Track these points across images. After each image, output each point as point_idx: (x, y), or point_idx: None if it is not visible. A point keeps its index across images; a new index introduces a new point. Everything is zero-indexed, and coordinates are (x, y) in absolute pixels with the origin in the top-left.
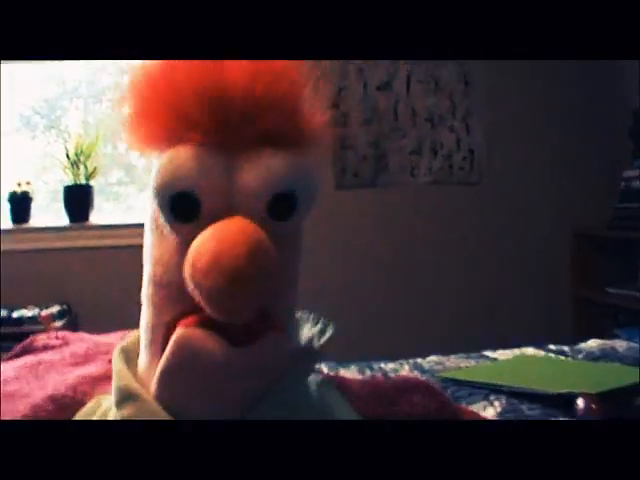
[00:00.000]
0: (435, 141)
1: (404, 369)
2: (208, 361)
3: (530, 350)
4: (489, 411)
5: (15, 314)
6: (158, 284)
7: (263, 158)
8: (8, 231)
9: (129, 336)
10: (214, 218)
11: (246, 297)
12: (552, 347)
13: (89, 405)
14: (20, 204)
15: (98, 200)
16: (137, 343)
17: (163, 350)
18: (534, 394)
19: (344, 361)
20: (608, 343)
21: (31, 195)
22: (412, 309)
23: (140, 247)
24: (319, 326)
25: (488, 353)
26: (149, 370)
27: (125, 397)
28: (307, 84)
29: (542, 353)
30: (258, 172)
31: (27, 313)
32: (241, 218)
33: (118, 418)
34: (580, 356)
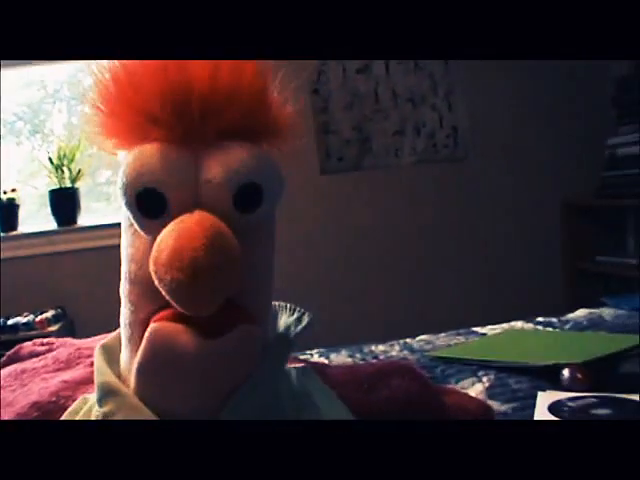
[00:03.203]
0: (418, 121)
1: (394, 350)
2: (180, 353)
3: (519, 324)
4: (477, 387)
5: (10, 322)
6: (133, 282)
7: (227, 151)
8: None
9: (110, 334)
10: (181, 213)
11: (207, 289)
12: (540, 319)
13: (75, 403)
14: (7, 212)
15: (87, 201)
16: (118, 340)
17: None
18: (521, 367)
19: (334, 346)
20: (595, 312)
21: (17, 202)
22: (400, 290)
23: None
24: (295, 315)
25: (477, 329)
26: (130, 366)
27: (106, 393)
28: (270, 77)
29: (530, 326)
30: (222, 165)
31: (22, 320)
32: (201, 212)
33: (100, 414)
34: (568, 326)
